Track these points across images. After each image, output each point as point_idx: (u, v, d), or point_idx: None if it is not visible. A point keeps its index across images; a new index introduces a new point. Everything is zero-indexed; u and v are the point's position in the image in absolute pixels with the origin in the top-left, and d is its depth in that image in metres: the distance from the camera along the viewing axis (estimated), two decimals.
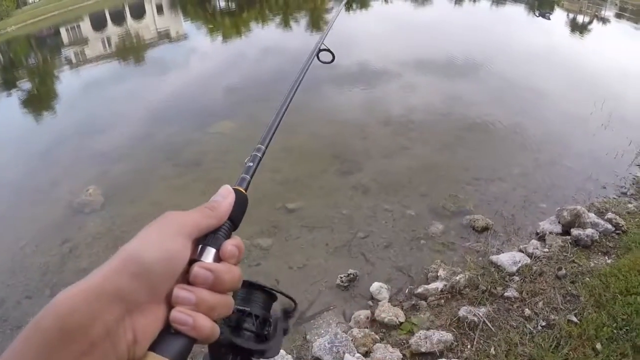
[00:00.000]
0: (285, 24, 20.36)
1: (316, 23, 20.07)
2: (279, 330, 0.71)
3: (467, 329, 4.30)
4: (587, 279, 4.85)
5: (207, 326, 0.56)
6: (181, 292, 0.56)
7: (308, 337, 4.45)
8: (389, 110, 9.78)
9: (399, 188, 6.97)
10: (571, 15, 23.11)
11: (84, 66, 16.11)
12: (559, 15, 23.87)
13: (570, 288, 4.76)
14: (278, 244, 6.01)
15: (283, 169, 7.45)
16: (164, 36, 19.24)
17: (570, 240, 5.49)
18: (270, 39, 17.39)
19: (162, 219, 0.59)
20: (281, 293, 0.75)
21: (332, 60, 1.46)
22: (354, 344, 4.08)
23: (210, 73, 13.36)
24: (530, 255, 5.26)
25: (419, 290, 4.96)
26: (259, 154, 0.86)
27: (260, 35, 18.62)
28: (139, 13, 24.07)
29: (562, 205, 6.25)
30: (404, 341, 4.24)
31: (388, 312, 4.56)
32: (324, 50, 1.44)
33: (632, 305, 4.36)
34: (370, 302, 4.82)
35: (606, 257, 5.28)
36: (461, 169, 7.43)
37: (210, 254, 0.60)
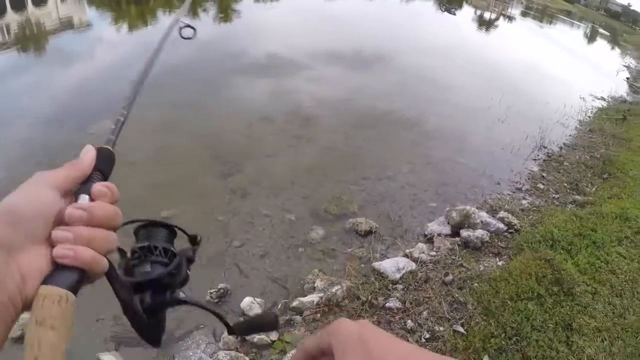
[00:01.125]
0: (194, 13, 19.38)
1: (225, 11, 19.18)
2: (183, 259, 0.75)
3: None
4: (476, 284, 4.33)
5: (87, 255, 0.60)
6: (59, 232, 0.61)
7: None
8: (282, 104, 9.03)
9: (280, 190, 6.25)
10: (478, 12, 23.55)
11: None
12: (466, 12, 24.19)
13: (457, 295, 4.23)
14: None
15: (157, 172, 6.59)
16: (67, 24, 17.70)
17: (459, 242, 4.97)
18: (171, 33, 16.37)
19: (32, 177, 0.65)
20: (182, 230, 0.81)
21: (194, 36, 1.43)
22: None
23: (107, 66, 12.13)
24: (415, 260, 4.68)
25: (294, 303, 4.26)
26: (122, 118, 0.88)
27: (166, 26, 17.54)
28: None
29: (453, 203, 5.76)
30: None
31: None
32: (186, 26, 1.41)
33: (522, 312, 3.90)
34: (241, 319, 4.11)
35: (497, 259, 4.80)
36: (348, 168, 6.81)
37: (83, 199, 0.65)
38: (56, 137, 7.86)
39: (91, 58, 12.75)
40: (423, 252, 4.81)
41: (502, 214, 5.40)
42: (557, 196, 6.33)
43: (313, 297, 4.29)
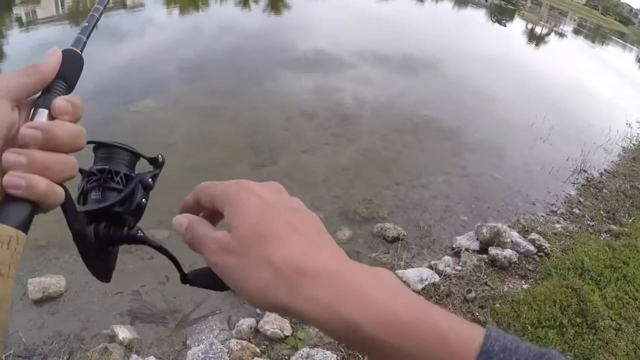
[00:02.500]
0: (244, 3, 19.46)
1: (275, 5, 19.25)
2: (138, 185, 0.66)
3: (355, 351, 3.67)
4: (498, 305, 4.29)
5: (41, 185, 0.52)
6: (10, 155, 0.52)
7: (188, 342, 3.83)
8: (324, 101, 9.04)
9: (312, 187, 6.24)
10: (529, 26, 23.20)
11: (34, 26, 14.80)
12: (517, 24, 23.74)
13: (477, 314, 4.20)
14: (175, 237, 5.19)
15: (195, 154, 6.66)
16: (120, 3, 18.01)
17: (486, 260, 4.91)
18: (226, 18, 16.35)
19: None
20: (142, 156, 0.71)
21: None
22: (229, 356, 3.53)
23: (155, 47, 12.25)
24: (440, 273, 4.65)
25: None
26: (97, 14, 0.74)
27: (216, 13, 17.48)
28: None
29: (485, 219, 5.71)
30: (286, 357, 3.66)
31: (273, 324, 3.89)
32: None
33: (542, 340, 3.84)
34: (258, 311, 4.18)
35: (523, 282, 4.73)
36: (383, 172, 6.79)
37: (42, 115, 0.56)
38: (98, 111, 8.00)
39: (140, 38, 12.91)
40: (448, 266, 4.78)
41: (533, 235, 5.32)
42: (592, 223, 6.20)
43: None
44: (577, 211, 6.44)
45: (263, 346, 3.75)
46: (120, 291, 4.14)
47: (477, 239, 5.21)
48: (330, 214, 5.73)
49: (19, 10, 17.07)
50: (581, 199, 6.81)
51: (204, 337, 3.94)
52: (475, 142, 8.04)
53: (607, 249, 5.29)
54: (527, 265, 4.94)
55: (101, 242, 0.63)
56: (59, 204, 0.55)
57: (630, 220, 6.44)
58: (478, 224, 5.34)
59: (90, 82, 9.23)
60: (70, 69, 0.62)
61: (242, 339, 3.78)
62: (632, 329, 4.17)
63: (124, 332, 3.68)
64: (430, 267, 4.80)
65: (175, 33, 13.96)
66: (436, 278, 4.55)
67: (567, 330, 3.97)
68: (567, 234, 5.75)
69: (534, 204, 6.46)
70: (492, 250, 4.93)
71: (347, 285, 0.45)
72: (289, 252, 0.47)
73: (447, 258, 4.96)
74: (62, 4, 17.23)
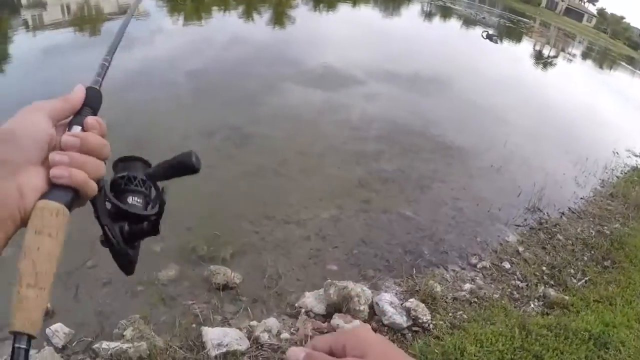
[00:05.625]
0: (248, 15, 18.43)
1: (279, 18, 18.42)
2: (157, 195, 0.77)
3: None
4: None
5: (81, 176, 0.64)
6: (55, 155, 0.65)
7: None
8: (221, 119, 7.64)
9: (167, 216, 4.83)
10: (536, 47, 22.31)
11: (39, 31, 14.02)
12: (524, 46, 22.58)
13: None
14: None
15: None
16: (124, 11, 17.47)
17: (325, 330, 3.41)
18: (227, 30, 15.17)
19: (29, 106, 0.69)
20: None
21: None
22: None
23: (158, 55, 11.28)
24: (253, 339, 3.33)
25: (96, 345, 3.38)
26: (107, 63, 0.87)
27: (219, 25, 16.32)
28: None
29: (364, 271, 4.33)
30: None
31: None
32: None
33: None
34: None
35: None
36: (258, 203, 5.37)
37: (76, 129, 0.70)
38: None
39: (146, 46, 11.86)
40: (269, 331, 3.42)
41: (411, 302, 3.75)
42: (521, 285, 4.58)
43: (117, 344, 3.34)
44: (508, 265, 4.84)
45: None
46: None
47: (325, 300, 3.69)
48: (167, 248, 4.50)
49: (25, 14, 16.57)
50: (520, 248, 5.20)
51: None
52: (396, 170, 6.40)
53: (517, 332, 3.68)
54: None
55: (127, 238, 0.71)
56: (93, 195, 0.67)
57: (581, 282, 4.81)
58: (328, 281, 3.80)
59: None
60: (93, 99, 0.75)
61: None
62: None
63: None
64: (247, 328, 3.48)
65: (179, 42, 13.17)
66: (243, 345, 3.25)
67: None
68: (474, 300, 4.16)
69: (445, 253, 4.87)
70: (336, 320, 3.47)
71: None
72: None
73: (271, 321, 3.52)
74: (68, 10, 17.17)
